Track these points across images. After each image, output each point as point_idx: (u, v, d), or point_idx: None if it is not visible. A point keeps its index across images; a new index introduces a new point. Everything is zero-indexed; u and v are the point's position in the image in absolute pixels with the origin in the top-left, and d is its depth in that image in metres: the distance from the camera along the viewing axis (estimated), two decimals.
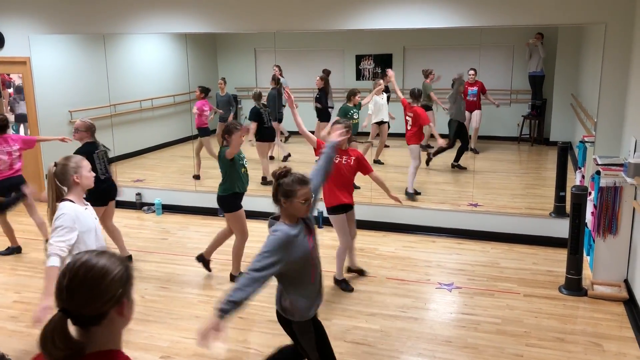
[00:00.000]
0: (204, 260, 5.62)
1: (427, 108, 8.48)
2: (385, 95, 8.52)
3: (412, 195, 7.32)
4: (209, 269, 5.62)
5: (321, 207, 7.04)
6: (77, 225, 3.36)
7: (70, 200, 3.44)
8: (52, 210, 3.44)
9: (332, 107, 9.43)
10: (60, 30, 7.80)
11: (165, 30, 7.40)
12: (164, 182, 8.47)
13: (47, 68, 8.16)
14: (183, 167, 8.85)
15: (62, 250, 3.29)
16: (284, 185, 2.98)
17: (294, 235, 2.96)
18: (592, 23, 5.89)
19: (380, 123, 8.58)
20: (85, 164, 3.52)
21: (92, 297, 1.54)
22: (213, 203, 7.57)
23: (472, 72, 8.71)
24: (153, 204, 7.81)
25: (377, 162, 8.77)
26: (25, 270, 5.87)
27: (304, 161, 9.19)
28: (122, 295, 1.59)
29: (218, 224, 7.22)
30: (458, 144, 8.35)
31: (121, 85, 8.86)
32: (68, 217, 3.34)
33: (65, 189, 3.47)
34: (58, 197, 3.47)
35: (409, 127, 7.44)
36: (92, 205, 5.40)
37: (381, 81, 8.37)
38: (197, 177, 8.50)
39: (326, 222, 7.01)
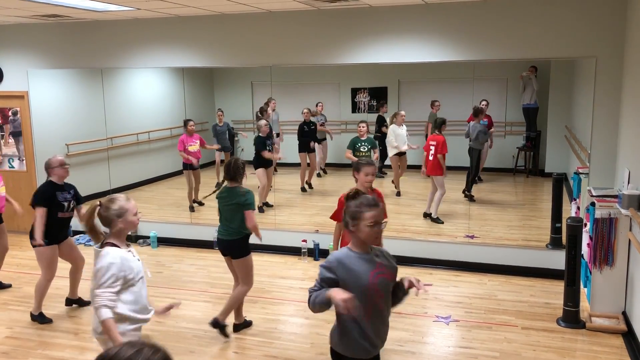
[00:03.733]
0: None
1: None
2: (404, 126, 8.63)
3: (438, 219, 7.58)
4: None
5: (318, 238, 7.02)
6: (124, 272, 3.17)
7: (114, 245, 3.24)
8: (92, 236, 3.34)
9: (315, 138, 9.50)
10: (58, 65, 7.89)
11: (162, 65, 7.49)
12: (160, 214, 8.45)
13: (44, 102, 8.21)
14: (179, 200, 8.84)
15: (111, 301, 3.11)
16: (351, 207, 2.76)
17: (349, 257, 2.78)
18: (583, 57, 5.99)
19: (400, 154, 8.62)
20: (132, 207, 3.33)
21: None
22: (208, 236, 7.59)
23: (484, 102, 8.69)
24: (148, 237, 7.77)
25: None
26: (18, 305, 5.80)
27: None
28: None
29: (214, 257, 7.18)
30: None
31: (118, 119, 8.92)
32: (116, 267, 3.13)
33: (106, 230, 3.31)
34: (95, 232, 3.34)
35: (430, 157, 7.55)
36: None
37: (402, 112, 8.56)
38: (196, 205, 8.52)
39: (322, 254, 6.98)
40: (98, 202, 3.29)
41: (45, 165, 5.34)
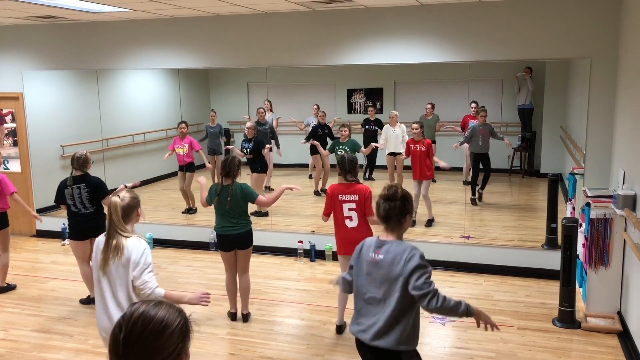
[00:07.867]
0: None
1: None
2: (403, 127, 8.50)
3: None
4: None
5: (314, 239, 7.02)
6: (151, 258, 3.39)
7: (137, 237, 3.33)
8: (107, 242, 3.27)
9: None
10: (53, 66, 7.87)
11: (157, 66, 7.47)
12: (155, 216, 8.43)
13: (39, 103, 8.19)
14: (174, 201, 8.83)
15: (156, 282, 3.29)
16: (409, 200, 3.08)
17: None
18: (578, 58, 6.01)
19: (394, 154, 8.53)
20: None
21: (151, 352, 1.41)
22: (204, 237, 7.58)
23: (473, 105, 8.62)
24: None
25: None
26: (13, 307, 5.78)
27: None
28: (181, 350, 1.47)
29: (210, 258, 7.17)
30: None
31: (113, 120, 8.90)
32: (149, 252, 3.32)
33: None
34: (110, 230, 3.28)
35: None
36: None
37: (393, 112, 8.50)
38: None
39: (318, 256, 6.98)
40: (117, 195, 3.36)
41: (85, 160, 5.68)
